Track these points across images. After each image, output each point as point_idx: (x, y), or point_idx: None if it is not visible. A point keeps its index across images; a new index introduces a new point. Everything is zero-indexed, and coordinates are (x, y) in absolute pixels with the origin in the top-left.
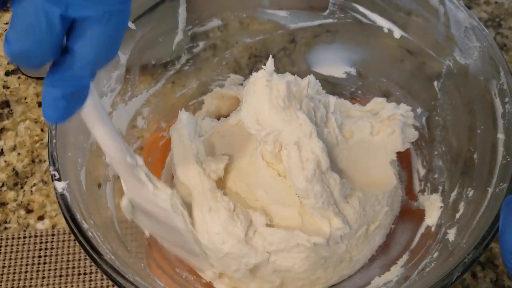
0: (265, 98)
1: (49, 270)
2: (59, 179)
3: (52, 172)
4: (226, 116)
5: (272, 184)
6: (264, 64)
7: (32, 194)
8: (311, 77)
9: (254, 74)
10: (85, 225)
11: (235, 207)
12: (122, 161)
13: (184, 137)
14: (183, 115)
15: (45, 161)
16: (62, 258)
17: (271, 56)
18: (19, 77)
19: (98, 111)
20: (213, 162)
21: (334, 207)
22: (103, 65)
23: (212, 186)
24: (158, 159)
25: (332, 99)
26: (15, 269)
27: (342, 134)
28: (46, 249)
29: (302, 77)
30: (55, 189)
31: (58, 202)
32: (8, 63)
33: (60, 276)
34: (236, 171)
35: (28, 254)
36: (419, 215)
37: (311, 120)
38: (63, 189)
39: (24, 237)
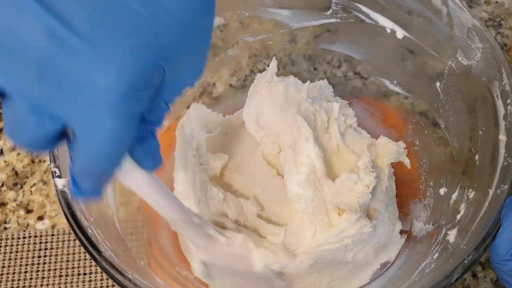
0: (264, 100)
1: (49, 270)
2: (59, 176)
3: (53, 169)
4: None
5: (270, 182)
6: (265, 64)
7: (32, 194)
8: (323, 82)
9: (258, 74)
10: (85, 222)
11: (225, 196)
12: (187, 223)
13: (186, 131)
14: (193, 109)
15: (45, 161)
16: (62, 258)
17: (274, 57)
18: None
19: (145, 179)
20: (212, 158)
21: (324, 216)
22: (102, 176)
23: (204, 180)
24: None
25: (336, 106)
26: (15, 269)
27: (345, 142)
28: (46, 249)
29: (302, 77)
30: (55, 186)
31: (59, 199)
32: None
33: (60, 276)
34: (235, 167)
35: (28, 254)
36: None
37: (309, 125)
38: (64, 186)
39: (24, 237)
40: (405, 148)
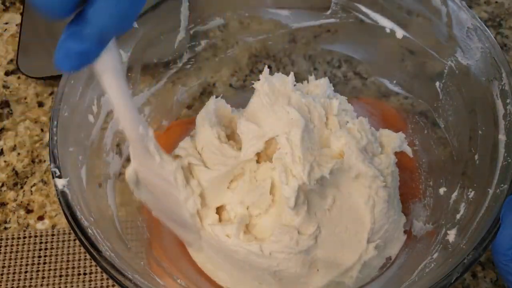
0: (255, 102)
1: (49, 270)
2: (59, 176)
3: (53, 169)
4: None
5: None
6: (265, 64)
7: (32, 194)
8: (324, 80)
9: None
10: (85, 223)
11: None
12: (134, 130)
13: (206, 124)
14: (211, 101)
15: (45, 161)
16: (62, 258)
17: (266, 66)
18: (19, 77)
19: (115, 73)
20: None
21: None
22: (114, 35)
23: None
24: None
25: (335, 102)
26: (15, 269)
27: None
28: (46, 249)
29: (303, 77)
30: (55, 186)
31: (59, 199)
32: (8, 63)
33: (60, 276)
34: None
35: (28, 254)
36: None
37: (303, 116)
38: (64, 186)
39: (24, 237)
40: (405, 138)
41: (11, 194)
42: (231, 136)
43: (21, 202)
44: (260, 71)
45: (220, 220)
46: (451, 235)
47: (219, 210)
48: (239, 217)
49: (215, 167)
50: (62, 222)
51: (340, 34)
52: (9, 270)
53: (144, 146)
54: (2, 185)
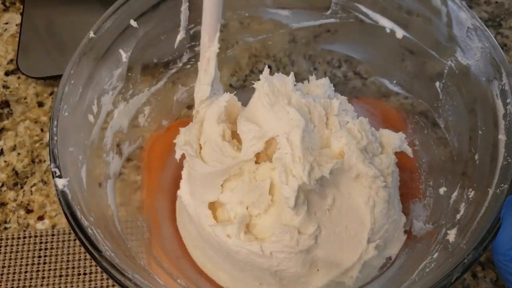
0: (255, 102)
1: (49, 270)
2: (59, 176)
3: (53, 169)
4: None
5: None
6: (265, 64)
7: (32, 194)
8: (325, 80)
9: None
10: (85, 222)
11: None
12: (203, 36)
13: (214, 119)
14: (224, 97)
15: (45, 161)
16: (62, 258)
17: (266, 66)
18: (19, 77)
19: None
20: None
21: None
22: None
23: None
24: (158, 158)
25: (336, 102)
26: (15, 269)
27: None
28: (46, 249)
29: (303, 77)
30: (55, 186)
31: (59, 199)
32: (8, 63)
33: (60, 276)
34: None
35: (28, 254)
36: None
37: (303, 116)
38: (64, 186)
39: (24, 237)
40: (405, 138)
41: (11, 194)
42: (236, 133)
43: (21, 202)
44: (260, 71)
45: (214, 216)
46: (451, 235)
47: (212, 207)
48: (239, 217)
49: (211, 163)
50: (62, 222)
51: (340, 34)
52: (9, 270)
53: (204, 52)
54: (2, 185)
